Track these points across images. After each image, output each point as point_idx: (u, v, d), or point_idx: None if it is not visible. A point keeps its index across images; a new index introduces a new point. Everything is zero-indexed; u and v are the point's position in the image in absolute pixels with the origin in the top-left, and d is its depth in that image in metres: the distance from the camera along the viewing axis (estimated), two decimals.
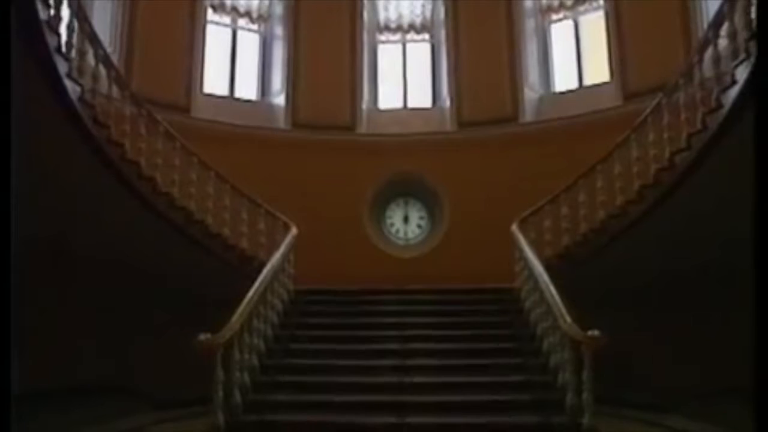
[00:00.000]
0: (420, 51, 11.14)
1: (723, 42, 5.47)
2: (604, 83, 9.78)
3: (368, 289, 7.68)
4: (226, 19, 10.68)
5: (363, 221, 9.84)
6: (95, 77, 6.04)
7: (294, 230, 7.53)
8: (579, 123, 9.24)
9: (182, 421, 6.22)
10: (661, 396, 6.92)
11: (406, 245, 10.08)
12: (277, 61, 10.60)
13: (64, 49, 5.08)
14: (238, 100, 10.47)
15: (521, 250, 7.01)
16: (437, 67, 10.88)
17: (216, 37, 10.48)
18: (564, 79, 10.43)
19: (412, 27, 11.14)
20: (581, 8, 10.41)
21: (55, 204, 6.03)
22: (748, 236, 2.93)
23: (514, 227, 7.41)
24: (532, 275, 6.39)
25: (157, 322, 7.50)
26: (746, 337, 3.16)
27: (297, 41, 10.40)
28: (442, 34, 10.72)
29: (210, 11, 10.45)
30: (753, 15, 4.78)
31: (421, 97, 10.93)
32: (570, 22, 10.52)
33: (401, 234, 10.20)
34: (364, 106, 10.45)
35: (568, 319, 5.00)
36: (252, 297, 5.55)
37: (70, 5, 5.43)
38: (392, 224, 10.24)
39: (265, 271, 6.21)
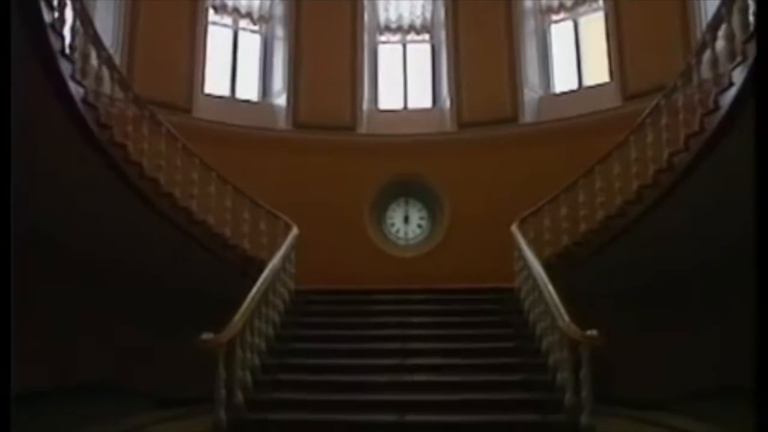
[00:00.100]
0: (420, 52, 11.16)
1: (720, 44, 5.50)
2: (604, 84, 9.79)
3: (369, 288, 7.73)
4: (228, 20, 10.71)
5: (364, 221, 9.85)
6: (99, 79, 6.08)
7: (295, 230, 7.57)
8: (578, 124, 9.25)
9: (184, 420, 6.25)
10: (660, 395, 6.95)
11: (407, 245, 10.10)
12: (278, 62, 10.63)
13: (68, 50, 5.12)
14: (239, 100, 10.48)
15: (520, 250, 7.05)
16: (437, 68, 10.90)
17: (217, 38, 10.50)
18: (564, 80, 10.44)
19: (412, 28, 11.16)
20: (581, 9, 10.42)
21: (57, 204, 6.08)
22: (746, 236, 2.96)
23: (514, 227, 7.44)
24: (531, 275, 6.42)
25: (158, 321, 7.55)
26: (745, 336, 3.19)
27: (298, 42, 10.41)
28: (442, 34, 10.73)
29: (211, 12, 10.47)
30: (750, 17, 4.81)
31: (421, 98, 10.94)
32: (570, 23, 10.53)
33: (402, 234, 10.22)
34: (365, 106, 10.47)
35: (567, 318, 5.04)
36: (254, 296, 5.59)
37: (73, 7, 5.47)
38: (393, 224, 10.26)
39: (266, 270, 6.24)
